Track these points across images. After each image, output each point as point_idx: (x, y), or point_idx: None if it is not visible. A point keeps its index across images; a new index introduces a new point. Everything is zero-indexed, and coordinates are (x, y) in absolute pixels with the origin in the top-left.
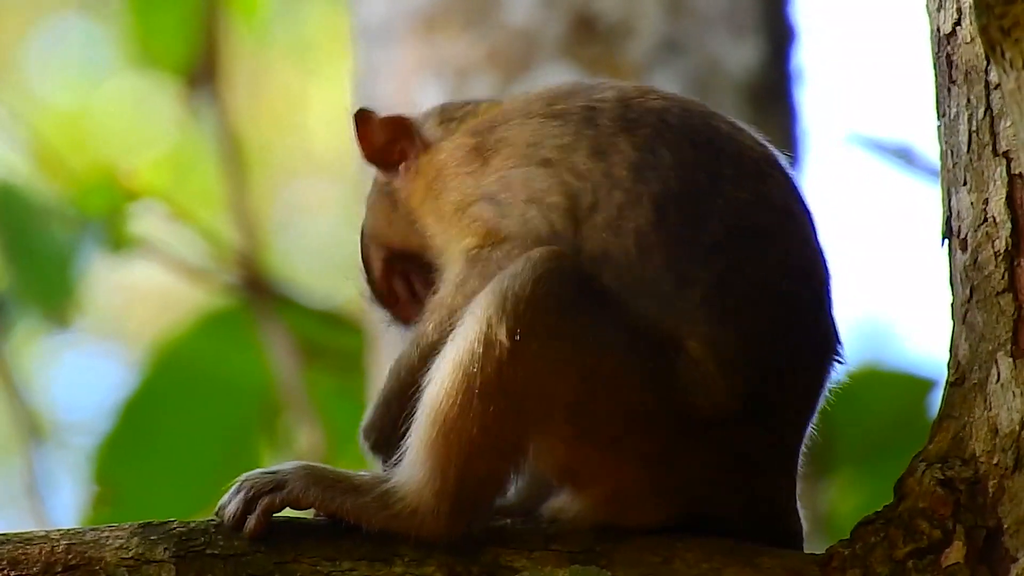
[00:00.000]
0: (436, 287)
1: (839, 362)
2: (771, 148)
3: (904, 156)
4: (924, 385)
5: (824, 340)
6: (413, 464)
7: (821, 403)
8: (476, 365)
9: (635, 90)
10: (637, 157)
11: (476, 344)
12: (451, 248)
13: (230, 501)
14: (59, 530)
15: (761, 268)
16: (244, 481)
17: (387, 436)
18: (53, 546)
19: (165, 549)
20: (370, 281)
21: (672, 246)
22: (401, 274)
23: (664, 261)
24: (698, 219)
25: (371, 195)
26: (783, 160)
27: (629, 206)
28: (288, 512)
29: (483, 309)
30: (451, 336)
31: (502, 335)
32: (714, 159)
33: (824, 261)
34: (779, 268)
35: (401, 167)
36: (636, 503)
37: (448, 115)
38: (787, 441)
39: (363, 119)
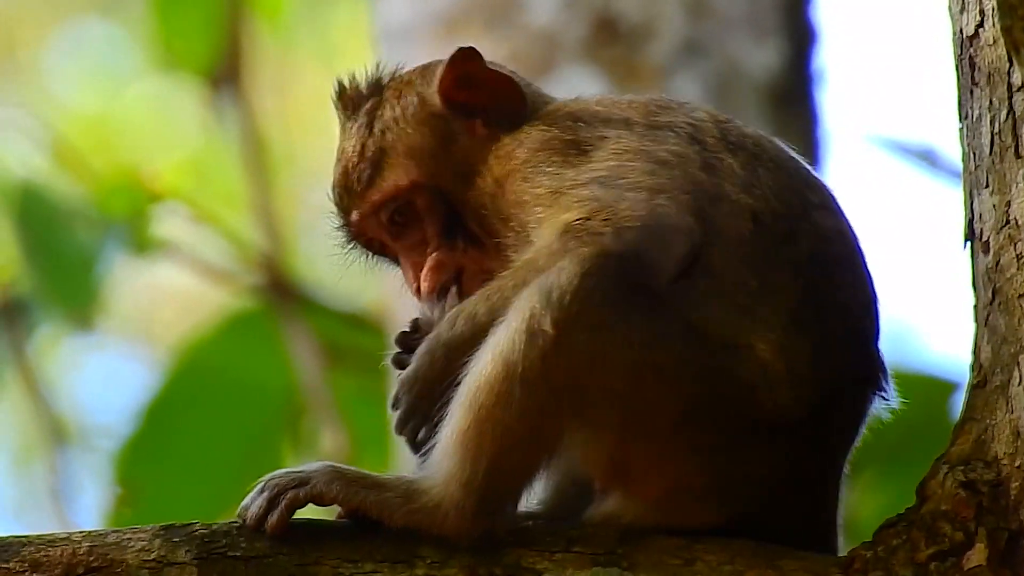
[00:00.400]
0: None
1: (883, 398)
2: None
3: (926, 158)
4: (946, 387)
5: (873, 372)
6: (442, 457)
7: (861, 432)
8: (517, 354)
9: (721, 115)
10: (743, 174)
11: (518, 334)
12: (541, 227)
13: (253, 501)
14: (81, 532)
15: (836, 293)
16: (268, 481)
17: (430, 388)
18: (75, 548)
19: (187, 551)
20: (366, 186)
21: (763, 255)
22: (414, 205)
23: (753, 268)
24: (789, 237)
25: (415, 113)
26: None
27: (732, 215)
28: (311, 512)
29: (526, 300)
30: (492, 330)
31: (546, 325)
32: (804, 187)
33: (877, 301)
34: (849, 297)
35: (478, 122)
36: (691, 502)
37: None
38: (836, 460)
39: (471, 55)
